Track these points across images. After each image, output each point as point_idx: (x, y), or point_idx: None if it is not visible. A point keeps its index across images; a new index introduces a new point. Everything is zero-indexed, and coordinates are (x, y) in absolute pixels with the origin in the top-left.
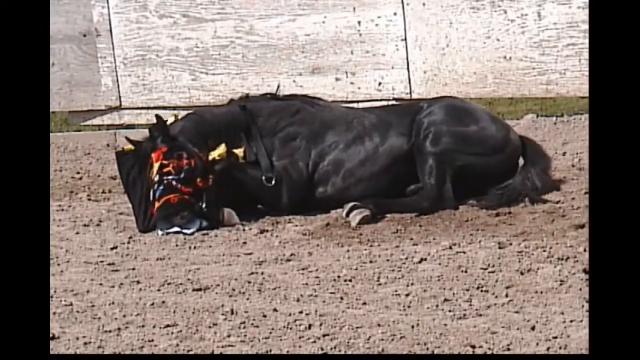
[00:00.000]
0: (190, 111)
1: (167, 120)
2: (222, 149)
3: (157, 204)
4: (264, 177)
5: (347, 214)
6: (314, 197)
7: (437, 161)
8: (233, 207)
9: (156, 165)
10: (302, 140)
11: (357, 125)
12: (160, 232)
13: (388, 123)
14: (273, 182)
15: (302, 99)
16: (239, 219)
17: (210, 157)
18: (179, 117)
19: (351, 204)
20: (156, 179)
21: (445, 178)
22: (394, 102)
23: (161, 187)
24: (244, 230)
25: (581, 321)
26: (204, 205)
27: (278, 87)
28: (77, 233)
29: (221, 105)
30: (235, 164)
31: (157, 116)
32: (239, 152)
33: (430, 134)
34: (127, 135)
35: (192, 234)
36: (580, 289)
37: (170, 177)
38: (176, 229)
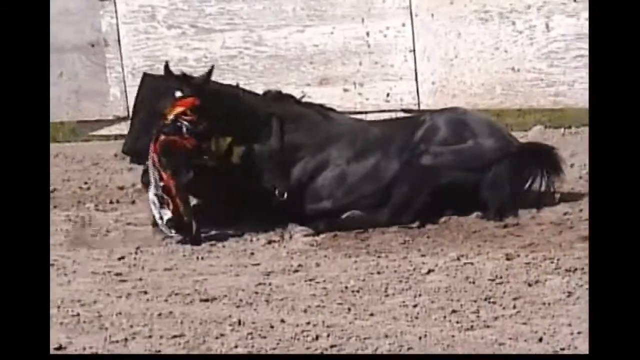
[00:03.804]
0: (234, 84)
1: (211, 74)
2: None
3: (162, 137)
4: (277, 191)
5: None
6: (314, 211)
7: (419, 176)
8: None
9: (178, 109)
10: (304, 151)
11: (361, 140)
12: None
13: (390, 138)
14: (285, 196)
15: (317, 108)
16: None
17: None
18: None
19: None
20: (171, 117)
21: (419, 192)
22: (402, 114)
23: (171, 126)
24: (251, 241)
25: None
26: (208, 159)
27: (302, 97)
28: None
29: (257, 94)
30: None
31: (211, 67)
32: (237, 151)
33: (422, 149)
34: (167, 61)
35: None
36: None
37: (185, 123)
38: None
